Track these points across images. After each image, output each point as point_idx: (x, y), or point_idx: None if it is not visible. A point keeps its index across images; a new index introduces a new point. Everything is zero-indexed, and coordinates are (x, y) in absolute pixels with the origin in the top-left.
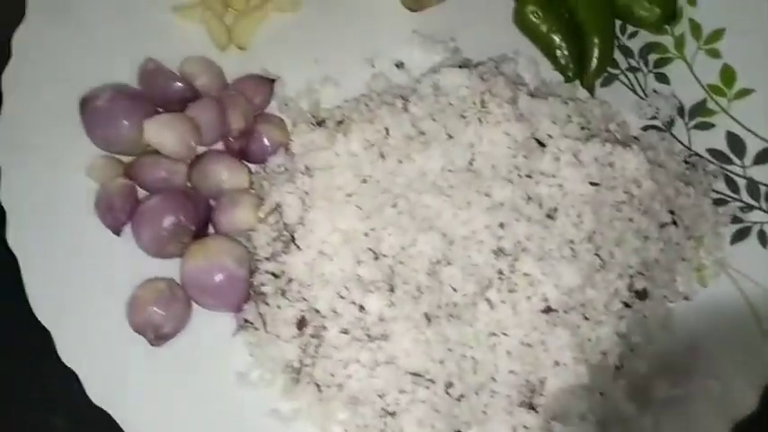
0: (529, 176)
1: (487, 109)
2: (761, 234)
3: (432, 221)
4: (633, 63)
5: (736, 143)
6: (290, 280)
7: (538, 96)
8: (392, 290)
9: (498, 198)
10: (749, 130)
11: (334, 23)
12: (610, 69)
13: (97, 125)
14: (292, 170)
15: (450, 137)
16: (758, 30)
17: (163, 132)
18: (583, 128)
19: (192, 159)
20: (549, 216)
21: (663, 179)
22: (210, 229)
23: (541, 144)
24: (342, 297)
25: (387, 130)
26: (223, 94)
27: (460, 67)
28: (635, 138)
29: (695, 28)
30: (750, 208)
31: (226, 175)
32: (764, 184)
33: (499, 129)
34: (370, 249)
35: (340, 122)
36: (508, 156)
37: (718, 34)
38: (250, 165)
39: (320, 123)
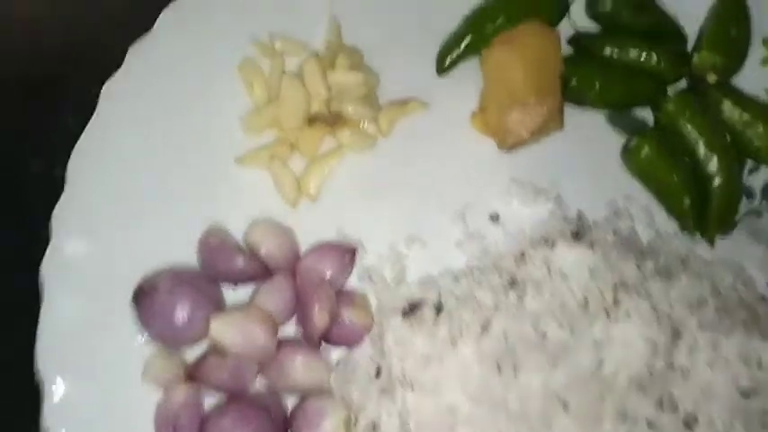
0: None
1: (619, 306)
2: None
3: None
4: (755, 205)
5: None
6: None
7: (667, 270)
8: None
9: (633, 414)
10: None
11: (419, 168)
12: None
13: (156, 321)
14: (385, 373)
15: (572, 332)
16: None
17: (231, 332)
18: (719, 308)
19: None
20: (686, 425)
21: None
22: None
23: (677, 330)
24: None
25: (506, 336)
26: (303, 277)
27: (574, 233)
28: (764, 298)
29: None
30: None
31: (303, 369)
32: None
33: (635, 328)
34: None
35: (438, 310)
36: (643, 358)
37: None
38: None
39: (414, 308)
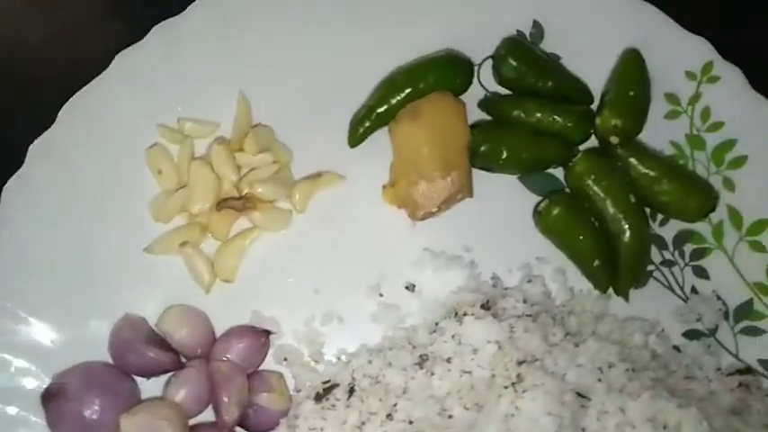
0: None
1: (523, 382)
2: None
3: None
4: (668, 255)
5: None
6: None
7: (569, 333)
8: None
9: None
10: None
11: (334, 243)
12: None
13: (64, 423)
14: None
15: (480, 408)
16: None
17: (142, 430)
18: (627, 369)
19: None
20: None
21: (719, 423)
22: None
23: (584, 396)
24: None
25: (410, 422)
26: (214, 367)
27: (484, 306)
28: (676, 349)
29: (735, 216)
30: None
31: None
32: None
33: (539, 404)
34: None
35: (351, 392)
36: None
37: (761, 225)
38: None
39: (327, 391)
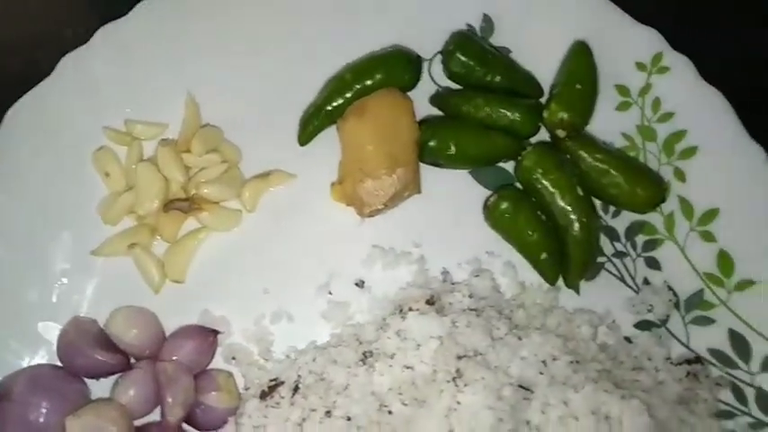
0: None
1: (464, 377)
2: None
3: None
4: (620, 247)
5: (740, 344)
6: None
7: (516, 325)
8: None
9: None
10: (753, 329)
11: (283, 242)
12: None
13: (11, 428)
14: None
15: (423, 403)
16: (756, 212)
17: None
18: (571, 362)
19: None
20: None
21: (664, 413)
22: None
23: (527, 389)
24: None
25: (348, 418)
26: (159, 369)
27: (428, 302)
28: (627, 339)
29: (686, 206)
30: (761, 425)
31: None
32: None
33: (479, 398)
34: None
35: (296, 388)
36: (493, 425)
37: (711, 215)
38: None
39: (273, 389)
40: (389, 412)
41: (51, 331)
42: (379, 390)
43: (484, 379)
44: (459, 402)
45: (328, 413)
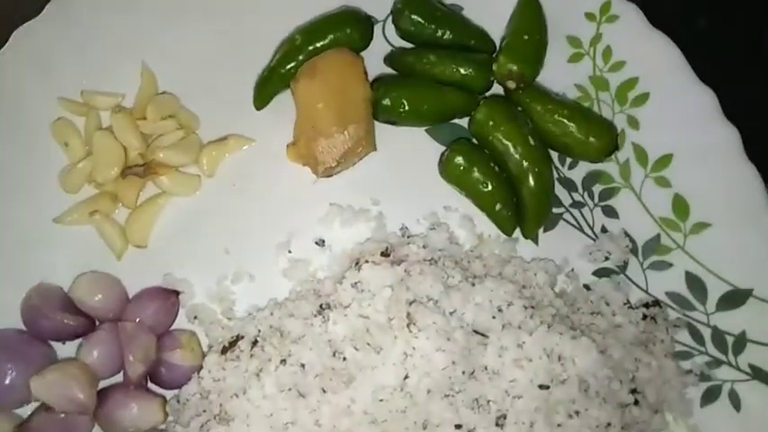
0: (472, 375)
1: (417, 324)
2: (732, 395)
3: None
4: (577, 197)
5: (696, 285)
6: None
7: (472, 274)
8: None
9: (437, 420)
10: (709, 270)
11: (243, 204)
12: (553, 209)
13: None
14: (207, 407)
15: (380, 349)
16: (709, 154)
17: (51, 391)
18: (526, 307)
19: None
20: (498, 424)
21: (619, 353)
22: None
23: (483, 335)
24: None
25: (303, 365)
26: (120, 328)
27: (383, 253)
28: (587, 287)
29: (640, 153)
30: (718, 363)
31: (136, 414)
32: (730, 334)
33: (431, 342)
34: None
35: (255, 342)
36: (446, 369)
37: (665, 160)
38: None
39: (233, 344)
40: (344, 359)
41: (16, 298)
42: (335, 338)
43: (435, 324)
44: (414, 348)
45: (283, 361)
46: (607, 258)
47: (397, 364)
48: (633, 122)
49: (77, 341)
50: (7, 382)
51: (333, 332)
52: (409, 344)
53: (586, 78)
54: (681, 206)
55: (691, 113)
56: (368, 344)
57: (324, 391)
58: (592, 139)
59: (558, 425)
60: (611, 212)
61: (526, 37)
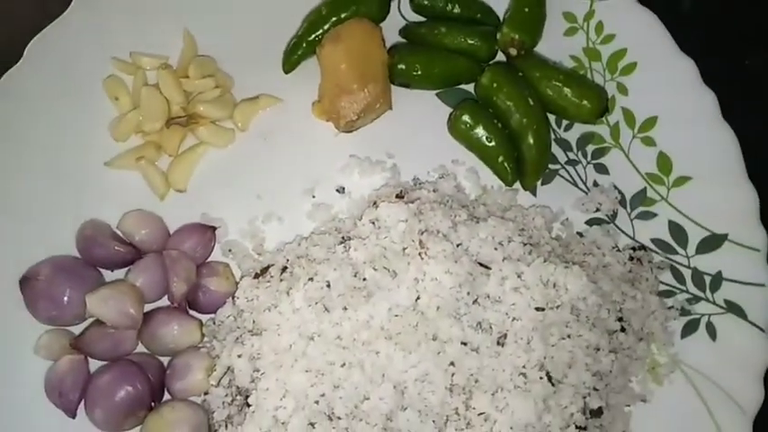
0: (476, 302)
1: (426, 248)
2: (709, 327)
3: (383, 369)
4: (572, 156)
5: (678, 232)
6: None
7: (477, 217)
8: None
9: (445, 336)
10: (690, 219)
11: (272, 155)
12: (549, 165)
13: (39, 303)
14: (241, 325)
15: (395, 274)
16: (690, 117)
17: (104, 306)
18: (525, 244)
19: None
20: (499, 343)
21: (608, 286)
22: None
23: (486, 266)
24: None
25: (328, 283)
26: (165, 254)
27: (398, 195)
28: (579, 234)
29: (628, 116)
30: (696, 299)
31: (176, 332)
32: (708, 274)
33: (440, 266)
34: (324, 413)
35: (284, 269)
36: (453, 289)
37: (651, 122)
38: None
39: (264, 271)
40: (363, 279)
41: (71, 233)
42: (356, 262)
43: (444, 251)
44: (425, 273)
45: (311, 279)
46: (598, 209)
47: (410, 288)
48: (622, 89)
49: (122, 272)
50: (65, 300)
51: (354, 257)
52: (421, 270)
53: (580, 50)
54: (664, 163)
55: (673, 80)
56: (385, 267)
57: (345, 309)
58: (585, 102)
59: (553, 345)
60: (602, 169)
61: (527, 9)
